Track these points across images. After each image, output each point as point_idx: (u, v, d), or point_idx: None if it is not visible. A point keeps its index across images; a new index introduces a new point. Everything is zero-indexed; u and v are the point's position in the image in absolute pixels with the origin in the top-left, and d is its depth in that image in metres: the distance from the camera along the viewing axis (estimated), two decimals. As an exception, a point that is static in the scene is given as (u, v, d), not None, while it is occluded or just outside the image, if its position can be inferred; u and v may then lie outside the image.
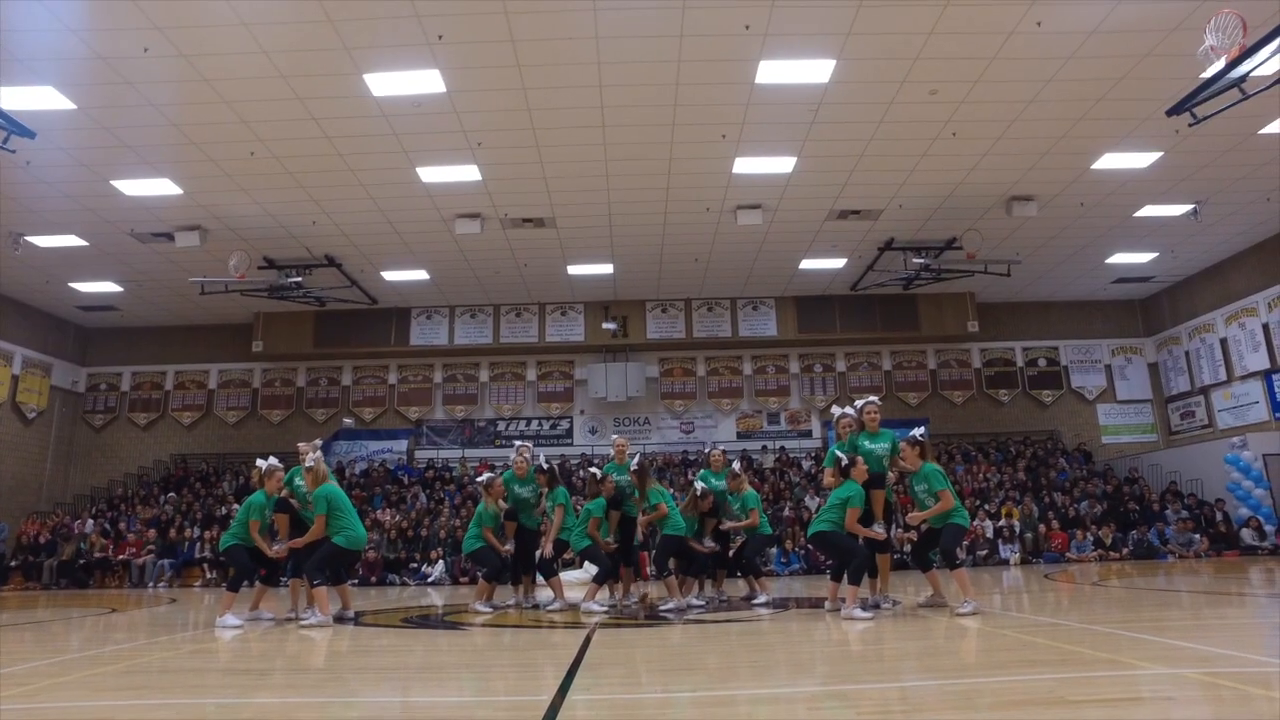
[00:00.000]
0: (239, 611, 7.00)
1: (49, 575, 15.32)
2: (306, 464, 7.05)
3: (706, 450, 9.12)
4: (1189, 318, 18.43)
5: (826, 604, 6.76)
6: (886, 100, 10.71)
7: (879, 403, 7.01)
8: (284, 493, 7.35)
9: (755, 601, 7.68)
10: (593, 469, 8.08)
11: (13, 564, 15.82)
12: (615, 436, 8.60)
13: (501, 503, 8.14)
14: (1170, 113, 8.50)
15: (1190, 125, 8.31)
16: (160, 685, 3.99)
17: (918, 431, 6.75)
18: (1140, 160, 12.48)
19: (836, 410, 7.29)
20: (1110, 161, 12.49)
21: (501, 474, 8.44)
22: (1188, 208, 14.24)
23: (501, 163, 12.18)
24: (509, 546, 8.07)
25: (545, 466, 8.13)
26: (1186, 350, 18.58)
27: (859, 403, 7.00)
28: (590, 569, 7.89)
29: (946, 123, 11.33)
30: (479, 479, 8.48)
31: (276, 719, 3.20)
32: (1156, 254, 16.74)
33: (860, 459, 6.50)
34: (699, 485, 7.84)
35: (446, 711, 3.37)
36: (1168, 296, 19.11)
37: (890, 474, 6.89)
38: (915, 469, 6.58)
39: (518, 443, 8.83)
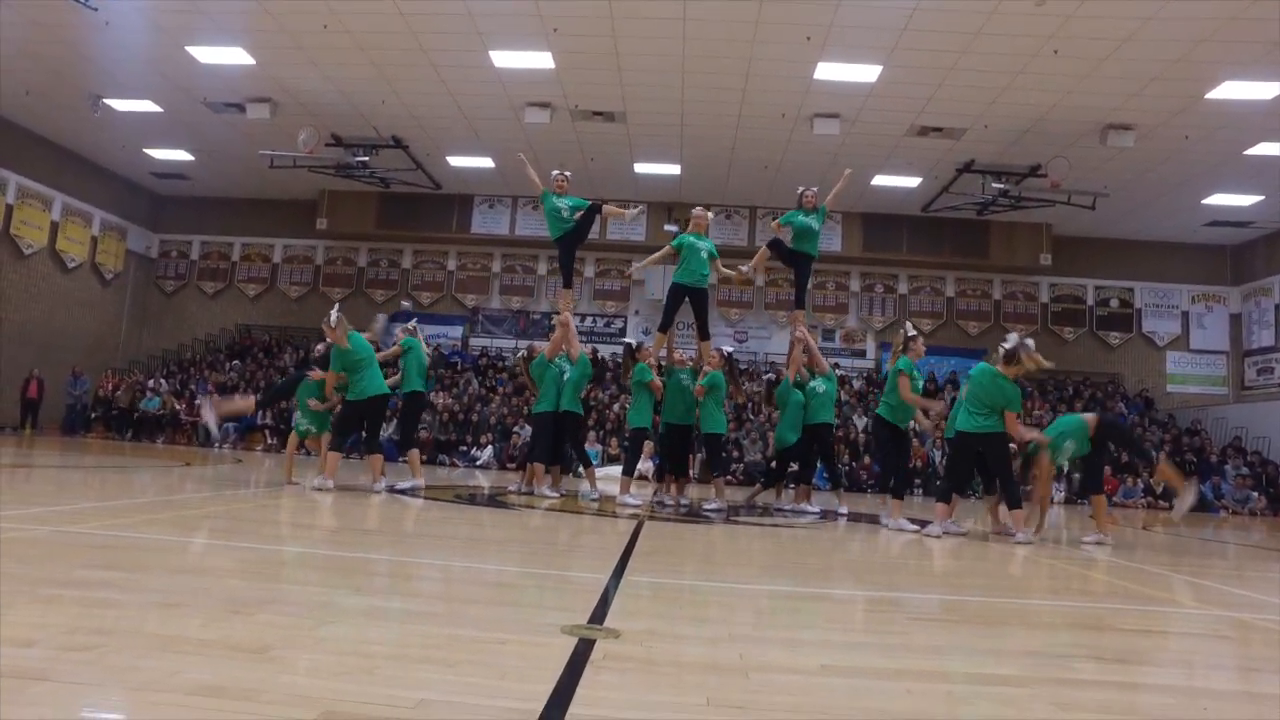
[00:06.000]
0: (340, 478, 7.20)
1: (125, 428, 16.30)
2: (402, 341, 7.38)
3: (800, 190, 8.19)
4: (1286, 269, 17.39)
5: (991, 531, 6.64)
6: (987, 10, 10.01)
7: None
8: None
9: (840, 513, 7.62)
10: (628, 340, 8.30)
11: (94, 415, 16.86)
12: (697, 209, 8.30)
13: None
14: (1307, 38, 7.78)
15: (1327, 54, 7.62)
16: (242, 531, 4.27)
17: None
18: (1265, 91, 11.51)
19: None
20: (1229, 91, 11.56)
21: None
22: (1306, 147, 13.23)
23: (576, 51, 11.82)
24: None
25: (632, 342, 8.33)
26: (1277, 303, 17.62)
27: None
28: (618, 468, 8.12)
29: (1050, 38, 10.57)
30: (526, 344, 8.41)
31: (342, 569, 3.40)
32: (1262, 197, 15.67)
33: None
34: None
35: (513, 579, 3.53)
36: (1265, 244, 18.00)
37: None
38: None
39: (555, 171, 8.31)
